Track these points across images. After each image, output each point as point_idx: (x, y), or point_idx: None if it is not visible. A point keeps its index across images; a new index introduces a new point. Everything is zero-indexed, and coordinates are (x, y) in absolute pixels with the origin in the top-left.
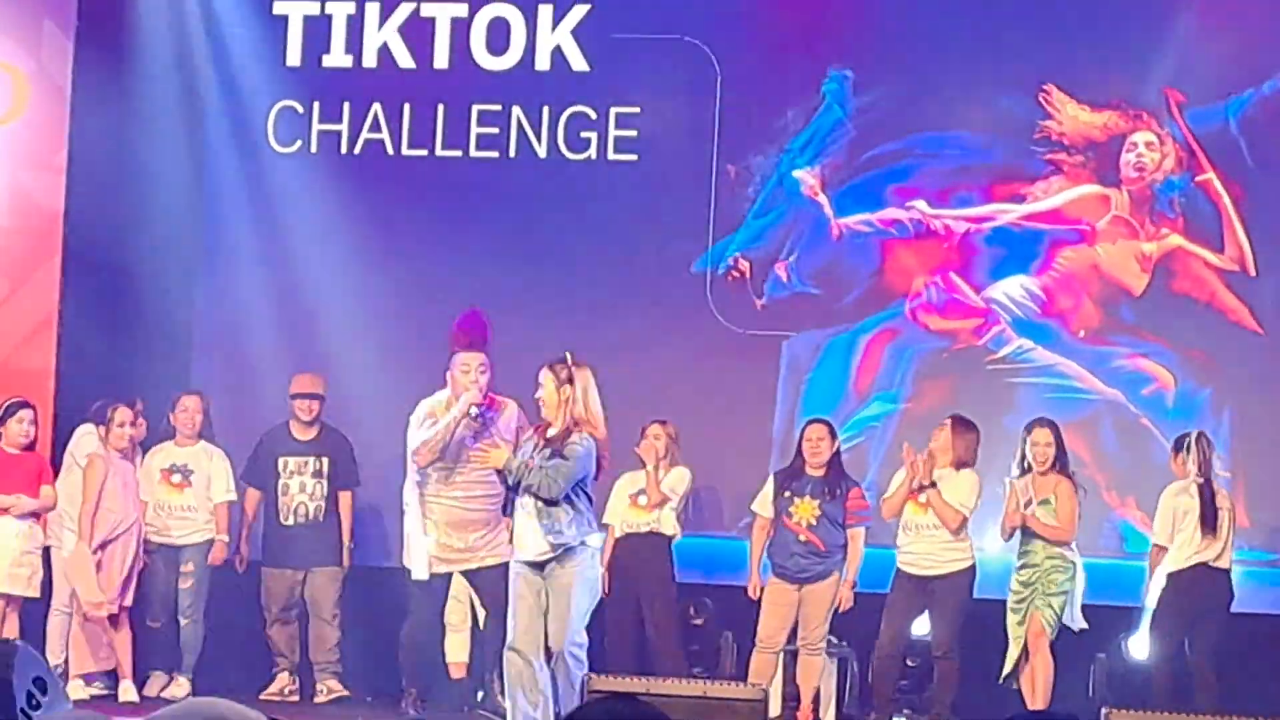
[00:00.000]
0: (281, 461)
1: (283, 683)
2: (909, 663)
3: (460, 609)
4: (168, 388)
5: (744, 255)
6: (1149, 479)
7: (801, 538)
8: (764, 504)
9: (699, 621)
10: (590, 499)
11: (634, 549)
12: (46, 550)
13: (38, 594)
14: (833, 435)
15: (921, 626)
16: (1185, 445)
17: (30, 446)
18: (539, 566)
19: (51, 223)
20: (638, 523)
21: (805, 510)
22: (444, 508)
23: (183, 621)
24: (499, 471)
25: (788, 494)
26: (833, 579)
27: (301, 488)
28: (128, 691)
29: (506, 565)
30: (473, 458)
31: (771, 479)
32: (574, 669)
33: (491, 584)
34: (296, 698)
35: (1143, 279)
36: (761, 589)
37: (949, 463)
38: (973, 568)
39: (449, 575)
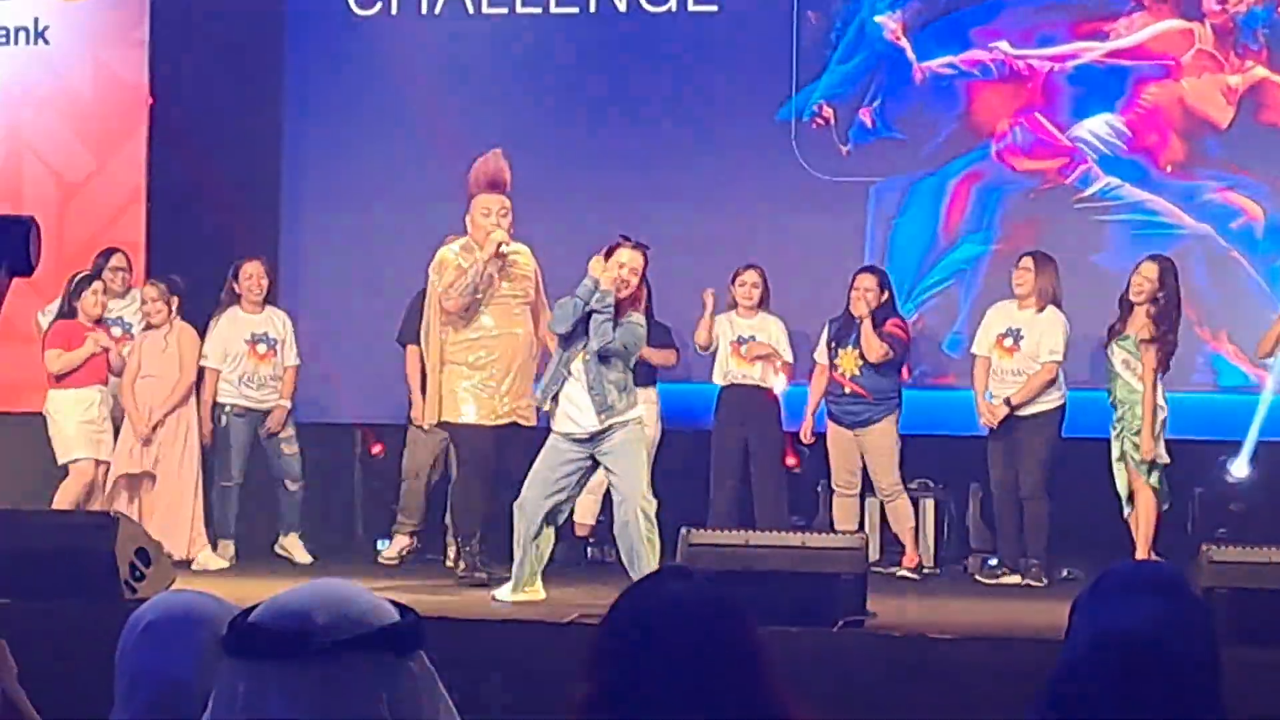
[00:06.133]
0: None
1: (402, 544)
2: None
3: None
4: (257, 255)
5: (828, 102)
6: (1241, 312)
7: (846, 389)
8: (821, 351)
9: (795, 469)
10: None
11: (740, 399)
12: None
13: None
14: (881, 286)
15: None
16: None
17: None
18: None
19: (136, 97)
20: (741, 372)
21: (848, 362)
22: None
23: (292, 488)
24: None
25: (834, 344)
26: (886, 423)
27: None
28: (207, 560)
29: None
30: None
31: (826, 327)
32: None
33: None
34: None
35: (1228, 112)
36: (822, 434)
37: (1034, 305)
38: (1062, 407)
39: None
